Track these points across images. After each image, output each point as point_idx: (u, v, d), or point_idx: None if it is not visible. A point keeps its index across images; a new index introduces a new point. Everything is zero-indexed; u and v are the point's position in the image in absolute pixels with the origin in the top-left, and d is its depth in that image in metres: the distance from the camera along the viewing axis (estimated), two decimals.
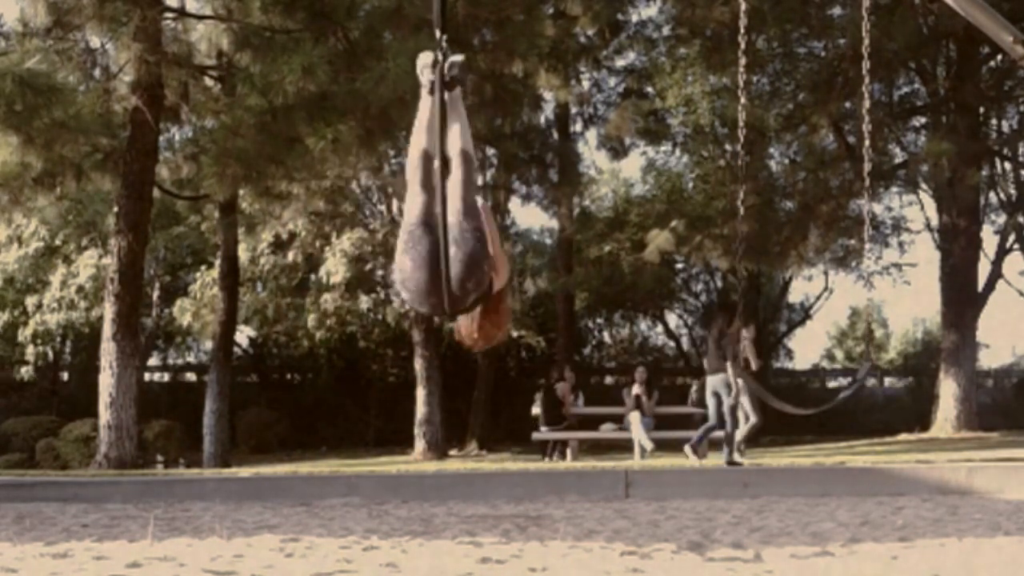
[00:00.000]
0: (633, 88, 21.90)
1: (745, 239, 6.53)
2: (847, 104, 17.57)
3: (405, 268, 3.41)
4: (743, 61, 6.26)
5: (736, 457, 10.61)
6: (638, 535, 4.77)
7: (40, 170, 12.47)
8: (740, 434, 11.46)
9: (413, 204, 3.56)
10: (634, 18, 21.40)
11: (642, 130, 21.30)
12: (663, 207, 20.18)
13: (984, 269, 20.04)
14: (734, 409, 10.68)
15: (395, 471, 9.97)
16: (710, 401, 10.96)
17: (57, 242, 22.11)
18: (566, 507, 6.36)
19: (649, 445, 13.80)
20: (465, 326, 3.65)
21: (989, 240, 21.21)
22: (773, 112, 18.94)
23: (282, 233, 20.47)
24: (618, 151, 22.64)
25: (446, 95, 3.68)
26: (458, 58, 3.69)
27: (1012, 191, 22.45)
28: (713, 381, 10.85)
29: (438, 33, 3.77)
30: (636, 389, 14.37)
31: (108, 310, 12.46)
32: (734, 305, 11.38)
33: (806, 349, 69.92)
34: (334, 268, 19.88)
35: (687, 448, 11.16)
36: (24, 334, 21.65)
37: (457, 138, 3.69)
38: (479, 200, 3.57)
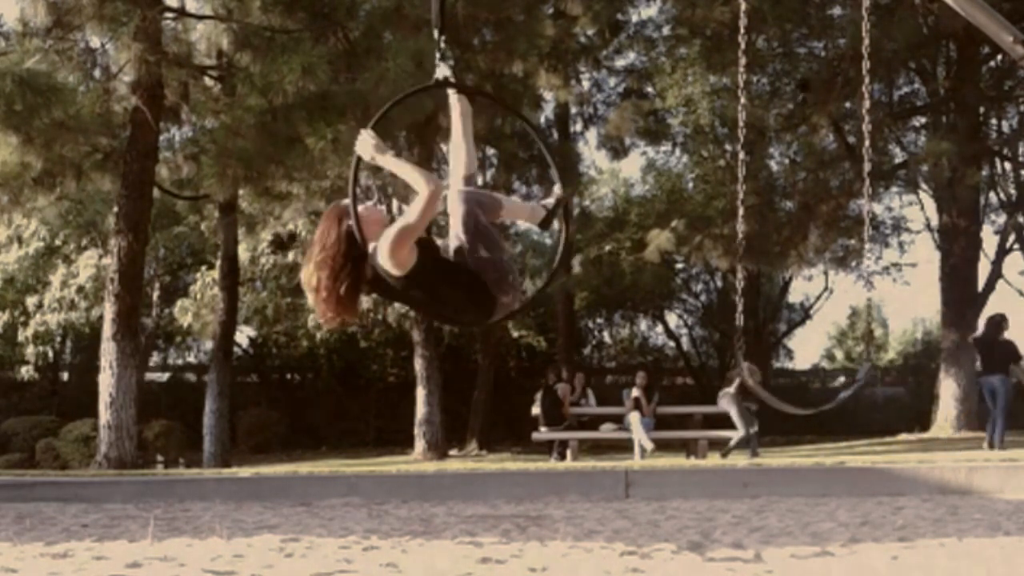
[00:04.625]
0: (633, 88, 21.91)
1: (745, 239, 6.52)
2: (847, 104, 17.57)
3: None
4: (743, 61, 6.24)
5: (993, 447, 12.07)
6: (638, 535, 4.77)
7: (40, 170, 12.47)
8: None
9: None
10: (634, 18, 21.46)
11: (642, 130, 21.31)
12: (663, 207, 20.19)
13: (984, 269, 20.05)
14: (1005, 407, 12.39)
15: (395, 471, 9.96)
16: (988, 397, 12.69)
17: (57, 242, 22.13)
18: (566, 507, 6.36)
19: (649, 445, 13.81)
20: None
21: (989, 240, 21.25)
22: (773, 112, 18.94)
23: (282, 233, 20.46)
24: (618, 151, 22.65)
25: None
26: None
27: (1012, 191, 22.47)
28: (987, 381, 12.77)
29: (436, 33, 3.83)
30: (635, 392, 14.39)
31: (108, 310, 12.46)
32: (1001, 318, 13.05)
33: (806, 349, 69.98)
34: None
35: (985, 445, 12.46)
36: (24, 334, 21.66)
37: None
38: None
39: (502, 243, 3.76)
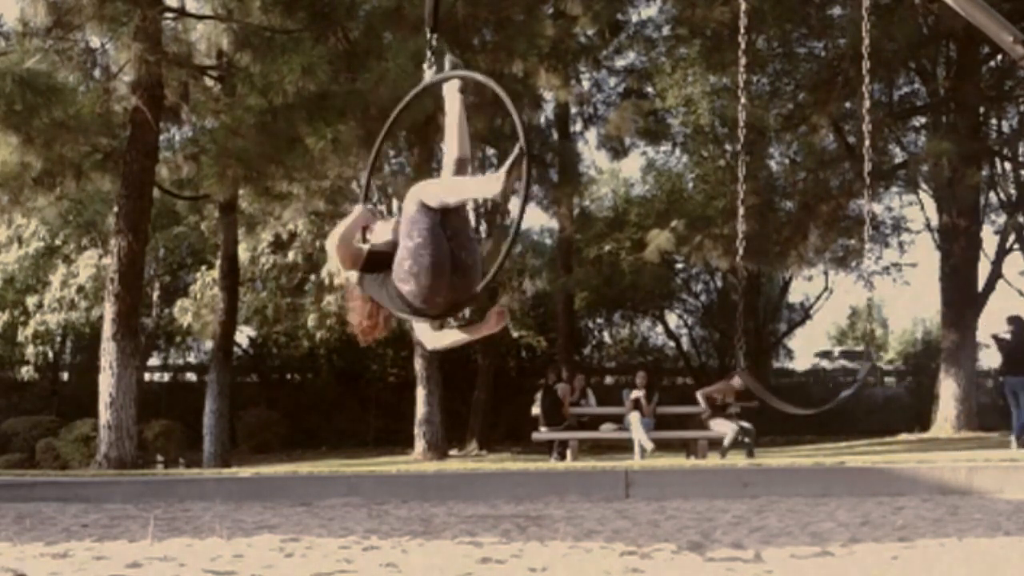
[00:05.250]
0: (633, 88, 21.90)
1: (745, 239, 6.51)
2: (847, 104, 17.57)
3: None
4: (743, 61, 6.24)
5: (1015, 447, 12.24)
6: (638, 535, 4.77)
7: (40, 170, 12.48)
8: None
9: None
10: (634, 18, 21.43)
11: (642, 130, 21.29)
12: (663, 207, 20.17)
13: (984, 269, 20.05)
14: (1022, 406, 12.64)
15: (395, 471, 9.97)
16: (1010, 397, 13.03)
17: (57, 242, 22.12)
18: (566, 507, 6.36)
19: (649, 445, 13.81)
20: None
21: (989, 240, 21.24)
22: (773, 112, 18.93)
23: (282, 233, 20.45)
24: (618, 151, 22.63)
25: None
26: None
27: (1012, 191, 22.45)
28: (1012, 382, 12.98)
29: (428, 32, 3.93)
30: (635, 393, 14.39)
31: (108, 310, 12.46)
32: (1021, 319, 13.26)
33: (806, 349, 69.93)
34: (336, 268, 19.85)
35: (1014, 443, 12.61)
36: (24, 334, 21.66)
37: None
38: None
39: (424, 234, 3.67)
